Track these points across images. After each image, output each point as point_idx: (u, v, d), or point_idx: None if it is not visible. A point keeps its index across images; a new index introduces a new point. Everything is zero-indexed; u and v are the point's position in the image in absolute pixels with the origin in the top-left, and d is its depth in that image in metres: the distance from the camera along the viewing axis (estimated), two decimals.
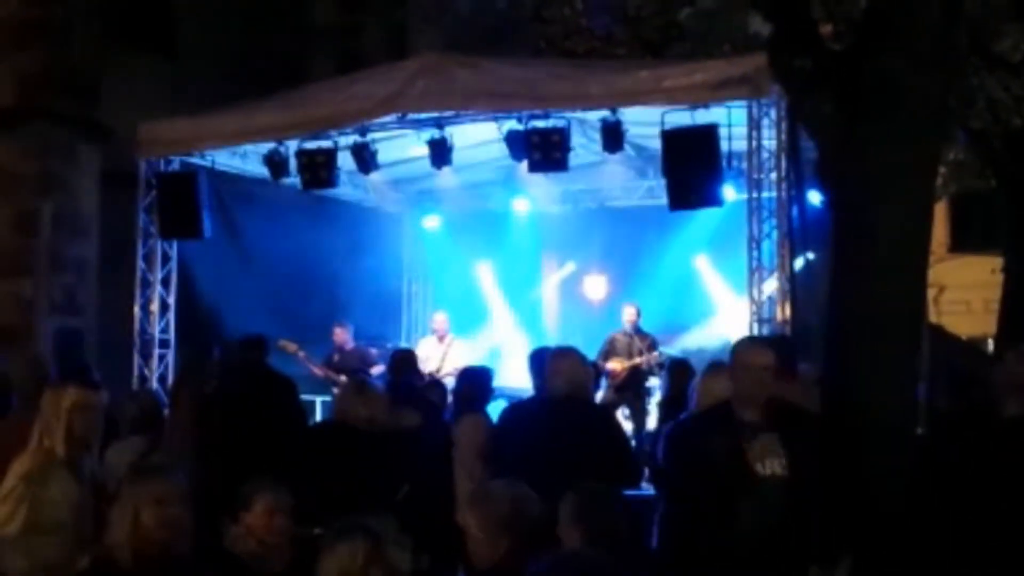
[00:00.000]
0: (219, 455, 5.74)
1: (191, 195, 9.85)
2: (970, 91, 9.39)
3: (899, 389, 4.51)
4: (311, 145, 9.65)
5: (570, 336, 10.43)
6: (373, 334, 11.97)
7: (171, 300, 10.47)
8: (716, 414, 4.40)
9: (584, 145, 9.77)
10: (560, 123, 8.83)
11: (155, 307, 10.34)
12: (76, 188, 10.43)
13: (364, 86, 9.25)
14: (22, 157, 10.06)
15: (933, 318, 13.84)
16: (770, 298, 8.29)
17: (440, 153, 9.57)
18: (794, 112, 7.07)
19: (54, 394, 4.17)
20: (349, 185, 11.53)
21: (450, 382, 7.65)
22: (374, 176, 10.81)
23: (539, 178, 10.62)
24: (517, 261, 12.76)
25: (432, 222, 13.14)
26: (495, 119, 9.14)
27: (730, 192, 8.81)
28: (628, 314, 10.54)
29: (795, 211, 8.11)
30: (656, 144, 8.70)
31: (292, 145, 9.72)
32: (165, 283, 10.44)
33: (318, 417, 10.11)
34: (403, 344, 12.07)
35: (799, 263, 8.23)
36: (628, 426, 9.55)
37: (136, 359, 10.19)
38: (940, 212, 15.14)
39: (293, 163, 9.81)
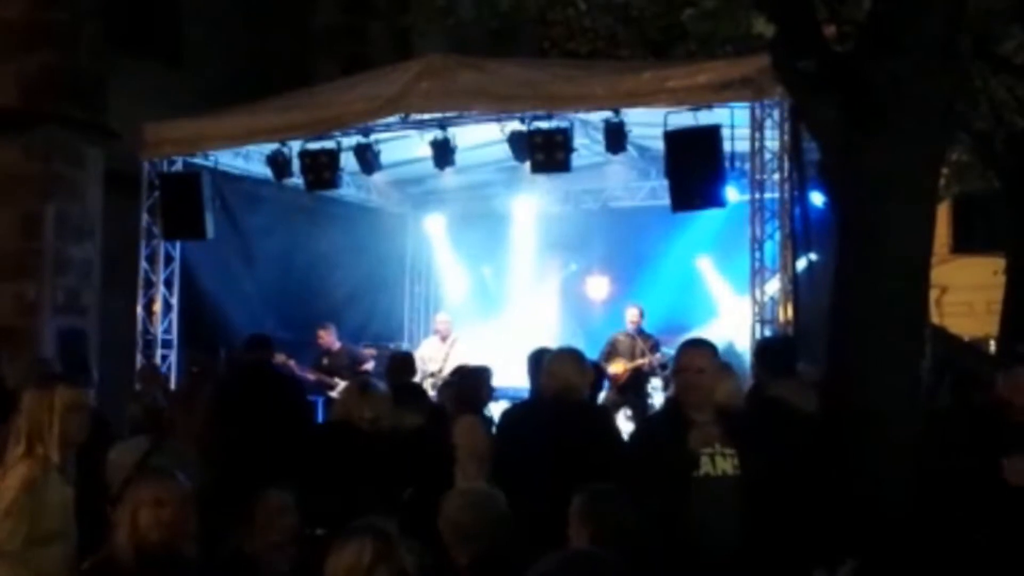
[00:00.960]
0: (226, 455, 5.74)
1: (194, 196, 9.86)
2: (973, 93, 9.39)
3: (902, 390, 4.51)
4: (314, 146, 9.67)
5: (572, 337, 10.39)
6: (375, 334, 11.99)
7: (174, 301, 10.49)
8: (667, 415, 4.42)
9: (587, 146, 9.78)
10: (563, 124, 8.85)
11: (158, 308, 10.36)
12: (80, 190, 10.43)
13: (367, 87, 9.25)
14: (27, 159, 10.05)
15: (935, 319, 13.87)
16: (772, 299, 8.28)
17: (443, 154, 9.58)
18: (797, 113, 7.08)
19: (42, 394, 3.84)
20: (352, 186, 11.55)
21: None
22: (377, 177, 10.84)
23: (542, 179, 10.63)
24: (520, 262, 12.77)
25: (435, 223, 13.16)
26: (498, 120, 9.14)
27: (732, 193, 8.79)
28: (632, 315, 10.56)
29: (798, 212, 8.09)
30: (659, 145, 8.71)
31: (295, 146, 9.74)
32: (168, 284, 10.46)
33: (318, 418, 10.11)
34: (405, 345, 12.09)
35: (801, 264, 8.23)
36: (630, 427, 9.55)
37: (139, 360, 10.17)
38: (943, 213, 15.13)
39: (296, 164, 9.84)
